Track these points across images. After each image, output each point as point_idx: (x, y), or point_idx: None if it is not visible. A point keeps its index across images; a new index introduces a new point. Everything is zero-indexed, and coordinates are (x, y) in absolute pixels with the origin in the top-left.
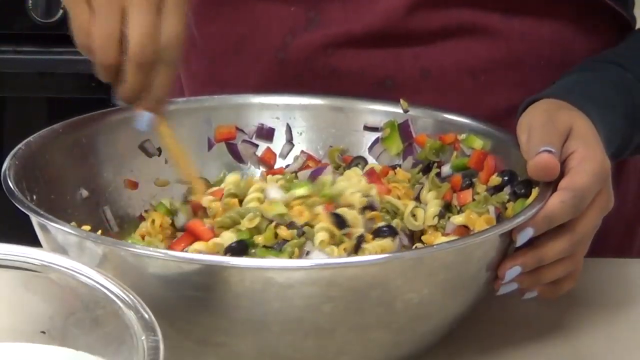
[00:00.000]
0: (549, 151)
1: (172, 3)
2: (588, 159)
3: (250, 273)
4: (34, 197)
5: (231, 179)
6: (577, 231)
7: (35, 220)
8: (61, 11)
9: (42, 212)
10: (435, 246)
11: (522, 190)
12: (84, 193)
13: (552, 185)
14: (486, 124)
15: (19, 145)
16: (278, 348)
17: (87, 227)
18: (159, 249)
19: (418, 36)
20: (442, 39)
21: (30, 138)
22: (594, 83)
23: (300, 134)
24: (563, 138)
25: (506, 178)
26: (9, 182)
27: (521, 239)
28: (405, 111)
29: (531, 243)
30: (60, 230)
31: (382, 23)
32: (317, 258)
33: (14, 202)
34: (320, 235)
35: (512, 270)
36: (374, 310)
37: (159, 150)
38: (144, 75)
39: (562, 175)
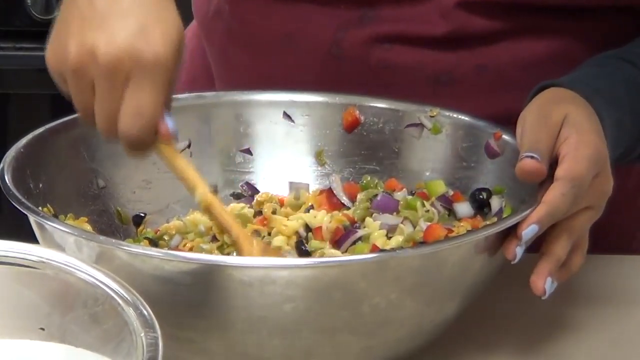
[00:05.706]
0: (532, 157)
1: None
2: (582, 144)
3: (211, 269)
4: (40, 184)
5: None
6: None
7: (32, 218)
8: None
9: (38, 210)
10: (398, 250)
11: (481, 196)
12: (100, 183)
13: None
14: (483, 120)
15: (31, 134)
16: (245, 346)
17: (87, 226)
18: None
19: (476, 37)
20: (500, 38)
21: (46, 126)
22: (604, 78)
23: (302, 131)
24: (554, 132)
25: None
26: (6, 180)
27: (526, 235)
28: None
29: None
30: (57, 229)
31: (438, 25)
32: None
33: (10, 200)
34: (277, 240)
35: (529, 230)
36: (338, 312)
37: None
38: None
39: (557, 163)
